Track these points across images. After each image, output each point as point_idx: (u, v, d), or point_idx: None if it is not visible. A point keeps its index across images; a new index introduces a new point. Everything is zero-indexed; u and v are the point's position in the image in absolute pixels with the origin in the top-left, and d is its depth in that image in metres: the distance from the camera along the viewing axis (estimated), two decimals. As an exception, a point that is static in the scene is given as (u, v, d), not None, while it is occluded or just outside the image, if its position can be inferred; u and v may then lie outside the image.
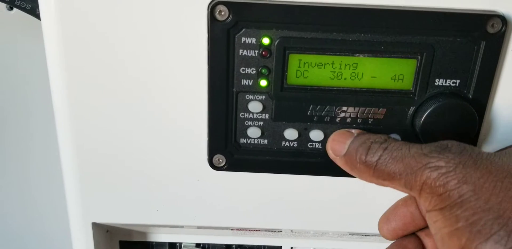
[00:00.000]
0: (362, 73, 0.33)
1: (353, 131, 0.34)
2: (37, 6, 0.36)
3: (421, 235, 0.35)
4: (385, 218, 0.35)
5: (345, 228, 0.41)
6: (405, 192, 0.31)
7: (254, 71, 0.34)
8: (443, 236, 0.28)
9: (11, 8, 0.54)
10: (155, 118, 0.36)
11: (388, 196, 0.38)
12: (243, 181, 0.38)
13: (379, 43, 0.32)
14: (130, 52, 0.34)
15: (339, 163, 0.33)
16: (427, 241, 0.34)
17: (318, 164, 0.37)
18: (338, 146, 0.33)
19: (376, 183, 0.31)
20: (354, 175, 0.32)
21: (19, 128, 0.62)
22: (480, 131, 0.35)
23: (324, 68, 0.33)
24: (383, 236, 0.36)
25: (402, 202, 0.35)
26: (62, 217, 0.42)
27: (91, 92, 0.35)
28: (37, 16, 0.44)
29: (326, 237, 0.45)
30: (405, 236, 0.35)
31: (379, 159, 0.30)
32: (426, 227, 0.34)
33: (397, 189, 0.31)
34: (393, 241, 0.35)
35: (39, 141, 0.62)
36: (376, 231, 0.41)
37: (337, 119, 0.35)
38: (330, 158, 0.34)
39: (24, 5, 0.43)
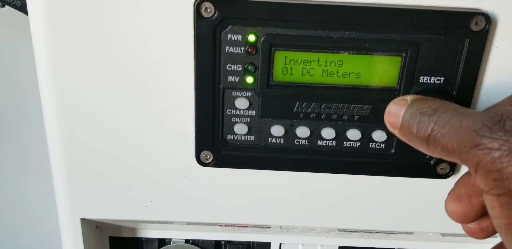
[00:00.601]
0: (347, 70, 0.34)
1: (408, 97, 0.31)
2: (27, 3, 0.36)
3: None
4: None
5: (333, 224, 0.41)
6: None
7: (240, 68, 0.34)
8: (500, 225, 0.26)
9: (3, 5, 0.54)
10: (142, 114, 0.36)
11: (376, 191, 0.39)
12: (231, 177, 0.39)
13: (364, 41, 0.33)
14: (116, 49, 0.34)
15: (398, 136, 0.31)
16: None
17: (305, 160, 0.37)
18: (393, 119, 0.31)
19: (436, 157, 0.29)
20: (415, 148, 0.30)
21: (14, 125, 0.62)
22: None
23: (310, 65, 0.34)
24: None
25: None
26: (56, 213, 0.43)
27: (79, 88, 0.36)
28: (27, 13, 0.44)
29: (315, 233, 0.45)
30: (470, 173, 0.31)
31: (430, 133, 0.28)
32: None
33: (457, 162, 0.29)
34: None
35: (34, 138, 0.62)
36: (364, 227, 0.42)
37: (323, 116, 0.35)
38: (390, 131, 0.32)
39: (14, 2, 0.43)
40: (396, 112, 0.31)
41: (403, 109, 0.30)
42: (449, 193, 0.31)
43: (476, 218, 0.30)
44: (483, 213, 0.30)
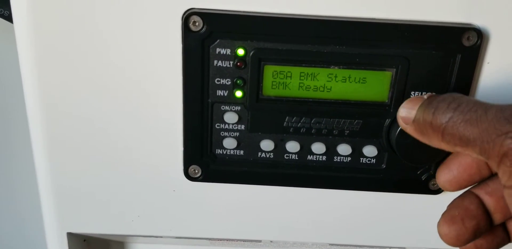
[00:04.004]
0: (338, 85, 0.33)
1: (425, 95, 0.30)
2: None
3: (481, 193, 0.30)
4: (446, 168, 0.31)
5: (325, 238, 0.41)
6: (481, 159, 0.27)
7: (229, 82, 0.34)
8: None
9: (-10, 14, 0.54)
10: (130, 128, 0.36)
11: (367, 206, 0.38)
12: (220, 192, 0.38)
13: (354, 55, 0.32)
14: (103, 63, 0.33)
15: (410, 131, 0.30)
16: (487, 200, 0.30)
17: (295, 175, 0.36)
18: (407, 113, 0.30)
19: (448, 150, 0.28)
20: (425, 143, 0.29)
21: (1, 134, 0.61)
22: (457, 143, 0.35)
23: (300, 79, 0.33)
24: (442, 187, 0.32)
25: None
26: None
27: (65, 101, 0.35)
28: (15, 23, 0.43)
29: (306, 247, 0.44)
30: (464, 195, 0.31)
31: (448, 121, 0.26)
32: (487, 182, 0.31)
33: (471, 155, 0.27)
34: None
35: (21, 150, 0.61)
36: (355, 242, 0.41)
37: (313, 131, 0.35)
38: (402, 127, 0.31)
39: (2, 12, 0.43)
40: (411, 106, 0.30)
41: (419, 103, 0.29)
42: (442, 215, 0.31)
43: (468, 241, 0.30)
44: (475, 237, 0.30)
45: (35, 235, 0.68)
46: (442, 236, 0.30)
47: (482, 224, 0.30)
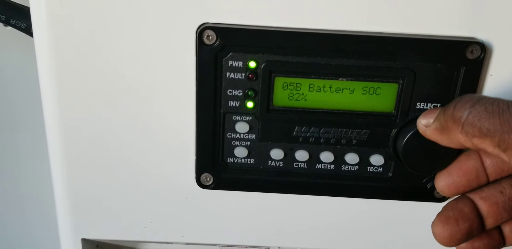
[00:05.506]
0: (346, 96, 0.34)
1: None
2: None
3: (475, 198, 0.31)
4: (447, 173, 0.32)
5: (332, 245, 0.42)
6: (495, 154, 0.27)
7: (241, 93, 0.35)
8: None
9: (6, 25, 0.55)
10: (144, 137, 0.37)
11: (375, 214, 0.39)
12: (230, 199, 0.39)
13: (362, 68, 0.33)
14: (119, 76, 0.35)
15: (429, 132, 0.31)
16: (481, 205, 0.31)
17: (304, 183, 0.37)
18: (428, 117, 0.31)
19: (465, 144, 0.29)
20: (443, 143, 0.30)
21: (14, 142, 0.62)
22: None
23: (309, 91, 0.34)
24: (439, 191, 0.33)
25: (465, 156, 0.32)
26: (55, 232, 0.43)
27: (82, 109, 0.36)
28: (32, 35, 0.44)
29: (313, 254, 0.45)
30: (459, 199, 0.32)
31: (470, 112, 0.27)
32: (482, 188, 0.32)
33: (486, 150, 0.28)
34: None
35: (35, 157, 0.62)
36: (362, 249, 0.42)
37: (322, 140, 0.36)
38: (421, 132, 0.32)
39: (19, 24, 0.44)
40: (433, 112, 0.31)
41: (438, 110, 0.30)
42: (437, 215, 0.32)
43: (460, 242, 0.31)
44: (467, 238, 0.31)
45: (44, 241, 0.69)
46: (435, 235, 0.31)
47: (475, 226, 0.31)
